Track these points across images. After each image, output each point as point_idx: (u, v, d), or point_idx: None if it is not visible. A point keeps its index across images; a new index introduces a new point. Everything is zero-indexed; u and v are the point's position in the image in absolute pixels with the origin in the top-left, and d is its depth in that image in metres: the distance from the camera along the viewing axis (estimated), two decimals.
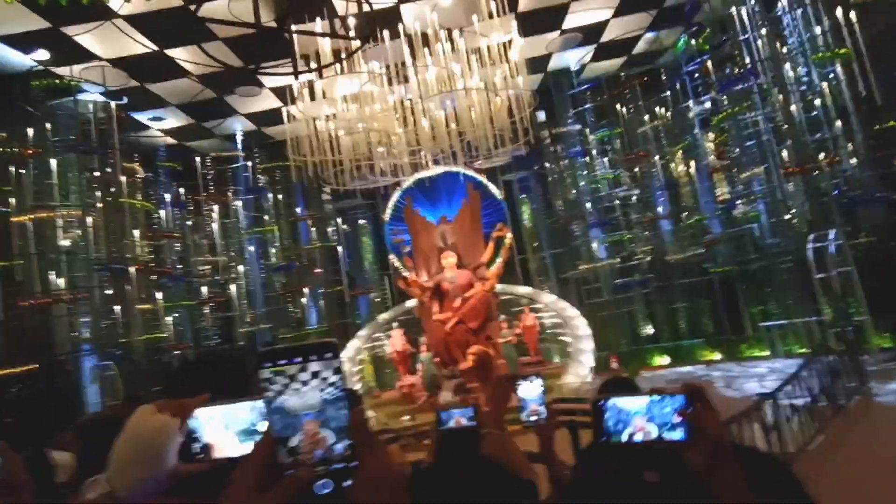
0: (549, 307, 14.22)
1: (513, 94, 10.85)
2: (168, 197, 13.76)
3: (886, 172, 8.43)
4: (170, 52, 10.97)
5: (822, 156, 9.53)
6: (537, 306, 14.45)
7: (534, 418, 2.03)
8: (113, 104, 11.37)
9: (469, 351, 11.57)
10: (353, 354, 13.62)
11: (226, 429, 0.98)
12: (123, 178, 10.94)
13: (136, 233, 11.74)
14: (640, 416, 1.16)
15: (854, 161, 9.76)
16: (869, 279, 9.31)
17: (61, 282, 9.80)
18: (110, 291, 11.04)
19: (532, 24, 12.60)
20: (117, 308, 10.94)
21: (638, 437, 1.16)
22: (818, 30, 9.52)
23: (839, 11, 9.08)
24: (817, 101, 9.52)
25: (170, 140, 15.29)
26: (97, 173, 10.69)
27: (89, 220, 10.06)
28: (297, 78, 7.90)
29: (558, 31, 13.49)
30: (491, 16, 9.48)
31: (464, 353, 12.23)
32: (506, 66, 10.47)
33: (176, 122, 14.51)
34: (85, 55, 10.58)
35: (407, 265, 14.37)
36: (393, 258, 15.38)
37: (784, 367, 10.84)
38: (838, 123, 9.65)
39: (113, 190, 10.97)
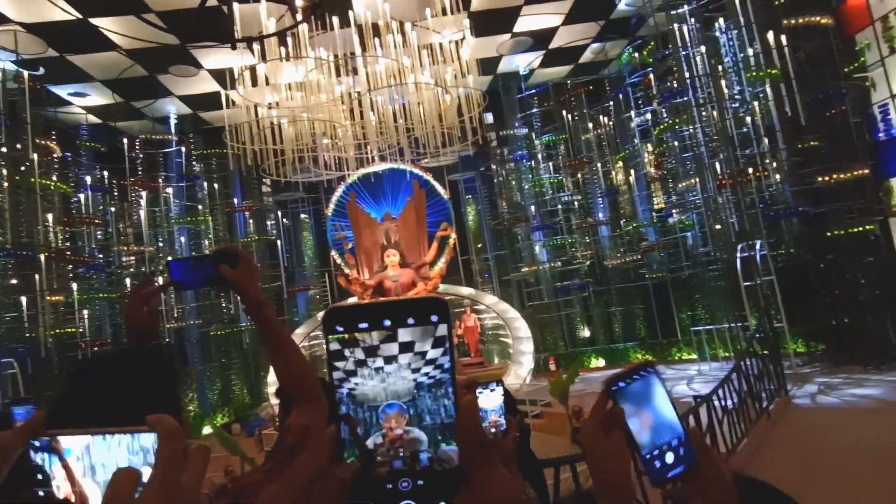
0: (491, 308, 14.27)
1: (463, 93, 10.78)
2: (89, 180, 12.65)
3: (807, 188, 9.00)
4: (95, 20, 10.08)
5: (750, 170, 10.06)
6: (479, 307, 14.48)
7: (493, 430, 1.87)
8: (26, 73, 10.31)
9: None
10: None
11: (91, 474, 0.61)
12: (35, 157, 9.93)
13: (50, 217, 10.71)
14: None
15: (778, 177, 10.38)
16: (786, 288, 9.90)
17: None
18: (15, 281, 10.01)
19: (484, 24, 12.60)
20: (23, 300, 9.94)
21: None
22: (750, 50, 10.05)
23: (770, 34, 9.62)
24: (748, 119, 10.06)
25: (93, 119, 14.14)
26: (4, 149, 9.65)
27: None
28: (234, 48, 7.40)
29: (509, 34, 13.57)
30: (444, 12, 9.34)
31: None
32: (456, 64, 10.36)
33: (101, 100, 13.43)
34: None
35: (349, 262, 14.01)
36: (334, 254, 14.96)
37: (711, 370, 11.39)
38: (765, 140, 10.24)
39: (23, 169, 9.93)
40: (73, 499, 0.60)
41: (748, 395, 6.50)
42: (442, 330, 0.51)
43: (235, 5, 8.48)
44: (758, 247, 8.97)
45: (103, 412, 1.05)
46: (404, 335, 0.50)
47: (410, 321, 0.51)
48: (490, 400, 1.95)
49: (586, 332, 15.48)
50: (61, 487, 0.62)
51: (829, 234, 8.70)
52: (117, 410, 1.00)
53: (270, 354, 1.36)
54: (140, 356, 1.35)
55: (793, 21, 8.66)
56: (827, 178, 8.54)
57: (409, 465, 0.51)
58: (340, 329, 0.51)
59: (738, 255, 9.21)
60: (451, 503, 0.51)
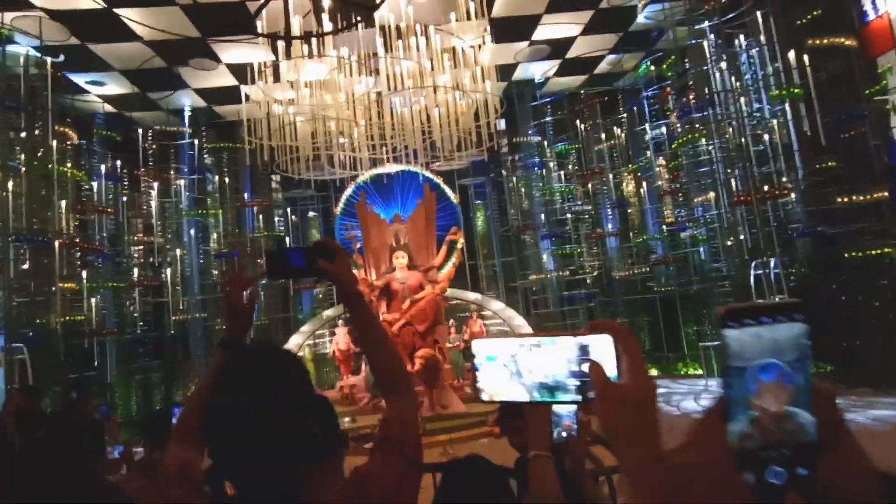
0: (498, 315, 14.25)
1: (480, 98, 10.80)
2: (103, 168, 12.64)
3: (827, 208, 9.01)
4: (119, 10, 10.09)
5: (765, 188, 10.07)
6: (485, 313, 14.46)
7: (564, 434, 1.86)
8: (49, 60, 10.32)
9: (417, 354, 11.35)
10: (295, 350, 13.04)
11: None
12: (55, 143, 9.92)
13: (64, 204, 10.69)
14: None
15: (792, 196, 10.39)
16: None
17: None
18: (26, 266, 9.98)
19: (503, 31, 12.64)
20: (32, 285, 9.91)
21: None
22: (770, 69, 10.09)
23: (792, 53, 9.66)
24: (766, 137, 10.09)
25: (108, 108, 14.14)
26: (23, 134, 9.64)
27: (10, 184, 9.03)
28: (271, 39, 7.40)
29: (527, 42, 13.61)
30: (468, 16, 9.36)
31: (410, 355, 12.00)
32: (476, 69, 10.38)
33: (118, 89, 13.43)
34: (19, 2, 9.54)
35: (357, 262, 13.99)
36: None
37: (718, 386, 11.34)
38: (781, 159, 10.26)
39: (40, 154, 9.92)
40: None
41: None
42: (805, 327, 0.57)
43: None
44: (772, 265, 8.97)
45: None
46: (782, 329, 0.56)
47: (782, 318, 0.56)
48: (564, 406, 1.94)
49: None
50: None
51: (846, 255, 8.70)
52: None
53: (365, 346, 1.38)
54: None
55: (817, 41, 8.70)
56: (846, 199, 8.55)
57: (790, 435, 0.54)
58: (733, 324, 0.56)
59: (752, 271, 9.20)
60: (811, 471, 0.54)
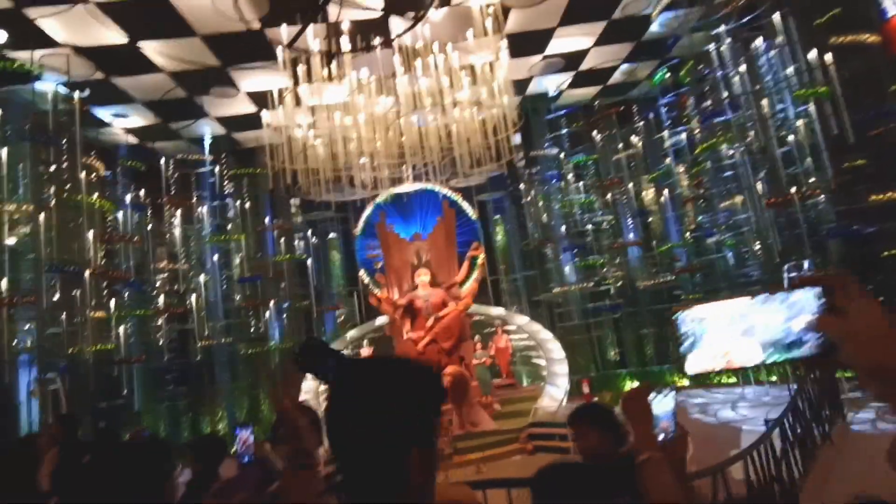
0: (523, 329, 14.08)
1: (497, 113, 10.84)
2: (128, 198, 12.86)
3: (859, 208, 8.82)
4: (142, 43, 10.35)
5: (793, 189, 9.91)
6: (510, 328, 14.30)
7: (661, 436, 1.78)
8: (76, 94, 10.58)
9: (444, 372, 11.23)
10: None
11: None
12: (83, 175, 10.11)
13: (91, 234, 10.85)
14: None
15: (822, 197, 10.20)
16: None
17: (3, 283, 8.86)
18: (57, 297, 10.10)
19: (517, 46, 12.71)
20: (62, 315, 10.01)
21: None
22: (790, 69, 10.00)
23: (813, 53, 9.57)
24: (790, 138, 9.96)
25: (132, 139, 14.43)
26: (52, 167, 9.85)
27: (41, 217, 9.19)
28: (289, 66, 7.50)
29: (541, 56, 13.68)
30: (485, 33, 9.45)
31: None
32: (493, 84, 10.44)
33: (140, 121, 13.72)
34: (47, 40, 9.84)
35: (379, 282, 13.97)
36: (363, 274, 14.95)
37: (754, 394, 11.06)
38: (808, 159, 10.11)
39: (68, 187, 10.11)
40: None
41: (813, 420, 6.25)
42: None
43: (284, 26, 8.67)
44: (805, 266, 8.77)
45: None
46: None
47: None
48: (663, 405, 1.86)
49: (617, 355, 15.21)
50: None
51: (884, 254, 8.48)
52: None
53: None
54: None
55: (840, 39, 8.62)
56: (880, 197, 8.37)
57: None
58: None
59: (786, 274, 9.00)
60: None
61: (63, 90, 10.81)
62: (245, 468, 2.15)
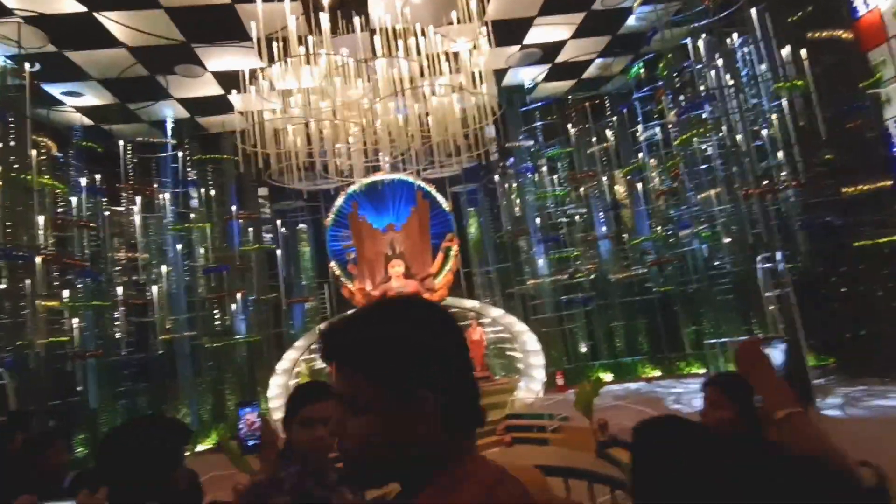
0: (497, 322, 13.99)
1: (476, 102, 10.65)
2: (83, 182, 12.02)
3: (829, 200, 9.07)
4: (100, 15, 9.66)
5: (765, 182, 10.12)
6: (484, 321, 14.18)
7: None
8: (27, 65, 9.79)
9: None
10: (289, 366, 12.54)
11: None
12: (34, 153, 9.36)
13: (42, 219, 10.09)
14: None
15: (791, 190, 10.46)
16: (801, 301, 9.89)
17: None
18: (3, 285, 9.33)
19: (496, 34, 12.56)
20: (8, 305, 9.24)
21: None
22: (764, 66, 10.20)
23: (786, 50, 9.78)
24: (764, 132, 10.17)
25: (86, 120, 13.55)
26: None
27: None
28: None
29: (519, 46, 13.58)
30: (469, 18, 9.22)
31: None
32: (473, 71, 10.23)
33: (96, 100, 12.88)
34: None
35: (351, 273, 13.62)
36: (334, 265, 14.53)
37: None
38: (780, 153, 10.35)
39: (16, 166, 9.34)
40: None
41: None
42: None
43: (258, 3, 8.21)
44: (779, 257, 8.96)
45: None
46: None
47: None
48: (775, 357, 1.71)
49: (588, 347, 15.31)
50: None
51: (855, 244, 8.74)
52: None
53: None
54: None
55: (816, 34, 8.82)
56: (852, 189, 8.62)
57: None
58: None
59: (760, 265, 9.17)
60: None
61: (11, 64, 9.98)
62: (284, 466, 1.89)
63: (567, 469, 4.03)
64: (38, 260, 8.98)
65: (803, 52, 9.19)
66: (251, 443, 2.06)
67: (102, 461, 1.65)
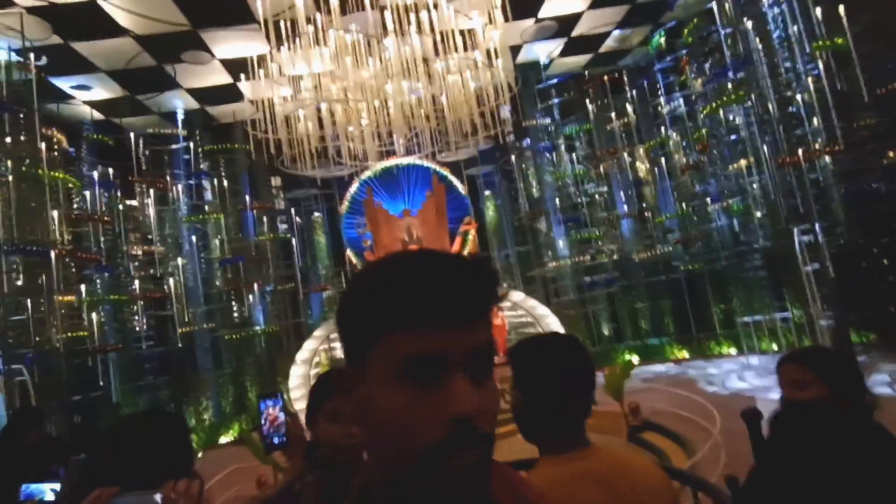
0: (519, 306, 13.67)
1: (491, 79, 10.24)
2: (95, 175, 11.90)
3: (875, 166, 8.55)
4: (103, 1, 9.41)
5: (800, 150, 9.59)
6: (505, 305, 13.88)
7: None
8: (32, 56, 9.61)
9: None
10: (309, 356, 12.39)
11: None
12: (43, 146, 9.20)
13: (56, 214, 9.97)
14: None
15: (827, 159, 9.91)
16: (839, 275, 9.42)
17: None
18: (20, 282, 9.25)
19: (509, 7, 12.10)
20: (29, 302, 9.16)
21: None
22: (799, 25, 9.61)
23: (818, 9, 9.19)
24: (798, 97, 9.61)
25: (97, 115, 13.41)
26: (8, 139, 8.92)
27: None
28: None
29: (534, 19, 13.07)
30: None
31: None
32: (488, 46, 9.80)
33: (105, 94, 12.72)
34: None
35: (368, 260, 13.40)
36: (350, 253, 14.33)
37: (759, 363, 10.86)
38: (815, 120, 9.80)
39: (28, 161, 9.20)
40: None
41: None
42: None
43: None
44: (817, 229, 8.49)
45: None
46: None
47: None
48: None
49: (612, 329, 14.95)
50: None
51: None
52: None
53: None
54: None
55: None
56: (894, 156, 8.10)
57: None
58: None
59: (797, 238, 8.71)
60: None
61: (17, 58, 9.80)
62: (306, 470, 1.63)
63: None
64: (53, 255, 8.85)
65: (841, 9, 8.61)
66: (276, 440, 1.78)
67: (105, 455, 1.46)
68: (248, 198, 14.41)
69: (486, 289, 0.70)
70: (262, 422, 1.79)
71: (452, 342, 0.65)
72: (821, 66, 9.10)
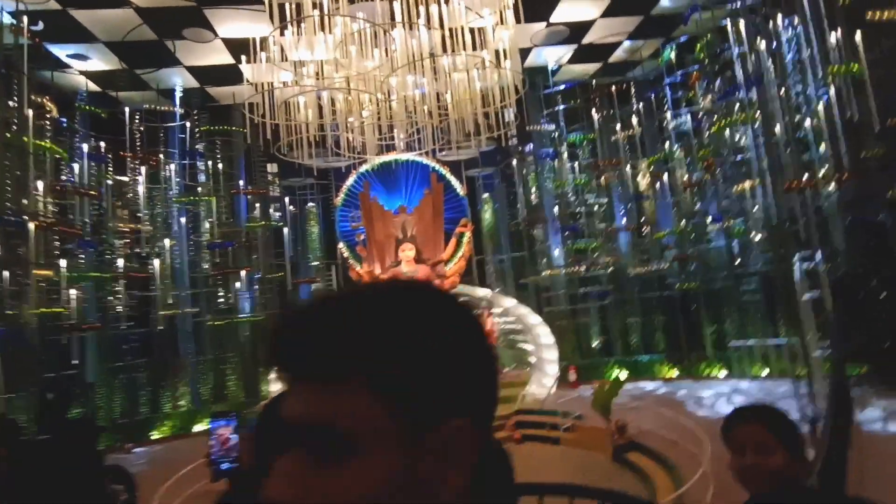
0: (509, 312, 13.47)
1: (498, 79, 10.03)
2: (85, 148, 11.56)
3: (883, 197, 8.41)
4: None
5: (805, 176, 9.44)
6: (496, 310, 13.67)
7: None
8: (26, 19, 9.29)
9: None
10: None
11: None
12: (31, 113, 8.89)
13: (41, 185, 9.65)
14: None
15: (831, 186, 9.76)
16: (837, 303, 9.25)
17: None
18: None
19: (520, 8, 11.89)
20: (6, 274, 8.85)
21: None
22: (814, 48, 9.45)
23: (834, 34, 9.04)
24: (807, 121, 9.46)
25: (92, 86, 13.09)
26: None
27: None
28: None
29: (545, 23, 12.88)
30: None
31: None
32: (497, 47, 9.58)
33: (102, 65, 12.40)
34: None
35: (360, 255, 13.17)
36: (342, 246, 14.08)
37: (751, 388, 10.70)
38: (822, 146, 9.65)
39: (15, 128, 8.88)
40: None
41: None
42: None
43: None
44: (818, 257, 8.33)
45: None
46: None
47: None
48: None
49: (601, 343, 14.77)
50: None
51: None
52: None
53: None
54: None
55: (877, 15, 8.09)
56: None
57: None
58: None
59: (798, 264, 8.54)
60: None
61: (10, 20, 9.48)
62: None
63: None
64: (33, 227, 8.55)
65: (858, 35, 8.45)
66: (225, 465, 1.55)
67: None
68: (242, 182, 14.13)
69: (332, 347, 0.53)
70: (212, 444, 1.55)
71: (290, 404, 0.54)
72: (832, 91, 8.94)
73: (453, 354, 0.55)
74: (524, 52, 14.17)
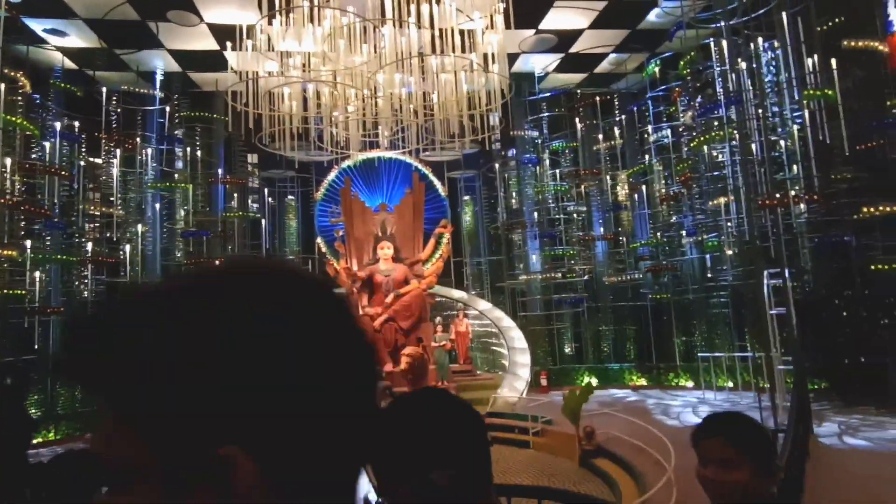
0: (484, 315, 13.53)
1: (483, 84, 10.08)
2: (58, 126, 11.21)
3: (849, 219, 8.70)
4: None
5: (777, 195, 9.71)
6: (471, 312, 13.72)
7: None
8: None
9: (404, 352, 10.31)
10: None
11: None
12: (2, 86, 8.58)
13: (9, 162, 9.33)
14: None
15: (801, 206, 10.08)
16: (801, 320, 9.54)
17: None
18: None
19: (510, 14, 11.98)
20: None
21: None
22: (791, 71, 9.75)
23: (810, 59, 9.34)
24: (782, 142, 9.75)
25: (69, 64, 12.71)
26: None
27: None
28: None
29: (534, 30, 12.99)
30: None
31: (392, 353, 11.15)
32: (486, 50, 9.63)
33: (81, 42, 12.06)
34: None
35: (338, 251, 13.05)
36: (320, 241, 13.95)
37: (713, 398, 10.95)
38: (795, 167, 9.96)
39: None
40: None
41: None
42: None
43: None
44: (787, 274, 8.57)
45: None
46: None
47: None
48: None
49: (573, 349, 14.95)
50: None
51: (872, 267, 8.39)
52: None
53: None
54: None
55: (851, 43, 8.38)
56: (872, 210, 8.25)
57: None
58: None
59: (766, 281, 8.78)
60: None
61: None
62: None
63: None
64: None
65: (833, 62, 8.75)
66: None
67: None
68: (220, 171, 13.88)
69: (85, 370, 0.46)
70: None
71: None
72: (806, 114, 9.23)
73: (227, 371, 0.44)
74: (512, 58, 14.26)
